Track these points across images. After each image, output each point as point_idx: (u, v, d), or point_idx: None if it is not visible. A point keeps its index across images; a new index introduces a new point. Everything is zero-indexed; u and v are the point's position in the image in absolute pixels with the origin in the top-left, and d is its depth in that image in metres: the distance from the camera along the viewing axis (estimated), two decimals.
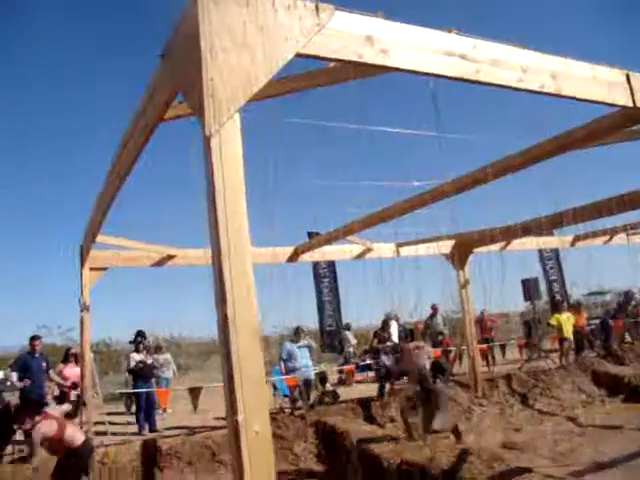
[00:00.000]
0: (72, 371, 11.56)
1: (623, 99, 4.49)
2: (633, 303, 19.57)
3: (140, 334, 13.52)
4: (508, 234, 10.91)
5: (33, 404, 10.85)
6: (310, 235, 11.88)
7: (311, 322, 18.49)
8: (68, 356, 12.02)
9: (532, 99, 4.31)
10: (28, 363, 11.16)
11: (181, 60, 3.07)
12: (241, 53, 2.82)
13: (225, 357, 2.55)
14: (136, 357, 12.65)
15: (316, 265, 17.24)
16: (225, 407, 2.63)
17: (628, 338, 19.11)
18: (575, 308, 17.34)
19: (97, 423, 10.57)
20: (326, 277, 17.78)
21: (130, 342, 13.93)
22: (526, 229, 10.36)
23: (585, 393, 12.65)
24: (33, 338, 11.52)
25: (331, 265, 17.48)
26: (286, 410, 11.96)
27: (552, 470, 7.74)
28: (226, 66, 2.76)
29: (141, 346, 13.13)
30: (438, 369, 13.73)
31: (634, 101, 4.51)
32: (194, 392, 12.27)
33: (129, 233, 9.58)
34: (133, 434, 11.46)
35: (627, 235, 14.20)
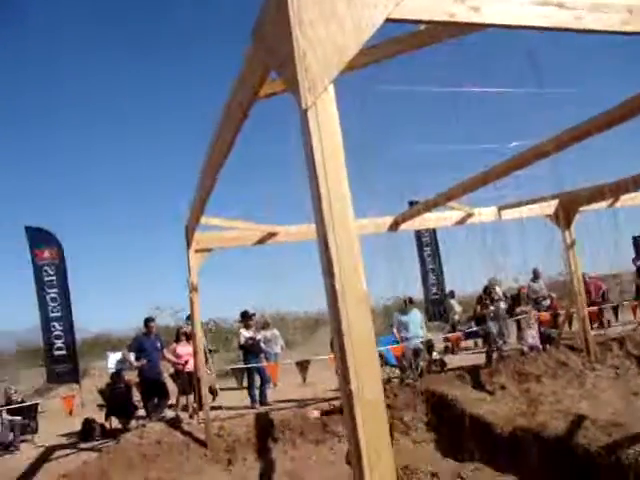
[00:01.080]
0: (184, 349, 12.07)
1: None
2: None
3: (245, 314, 13.89)
4: (616, 190, 10.37)
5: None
6: (412, 204, 11.76)
7: (415, 291, 18.48)
8: (179, 335, 12.57)
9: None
10: (143, 344, 11.76)
11: (271, 36, 3.08)
12: (330, 24, 2.78)
13: (335, 328, 2.58)
14: (246, 334, 13.04)
15: (418, 234, 17.11)
16: (338, 377, 2.66)
17: None
18: None
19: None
20: (428, 245, 17.60)
21: (239, 321, 14.35)
22: (637, 183, 9.81)
23: None
24: (148, 320, 12.12)
25: (432, 233, 17.28)
26: (394, 380, 12.02)
27: None
28: (316, 38, 2.74)
29: (251, 322, 13.55)
30: (547, 339, 13.42)
31: None
32: (302, 365, 12.56)
33: (229, 213, 9.83)
34: (246, 407, 11.86)
35: None
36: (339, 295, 2.53)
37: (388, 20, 2.99)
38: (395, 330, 12.67)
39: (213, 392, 12.34)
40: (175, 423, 10.28)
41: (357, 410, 2.53)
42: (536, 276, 16.43)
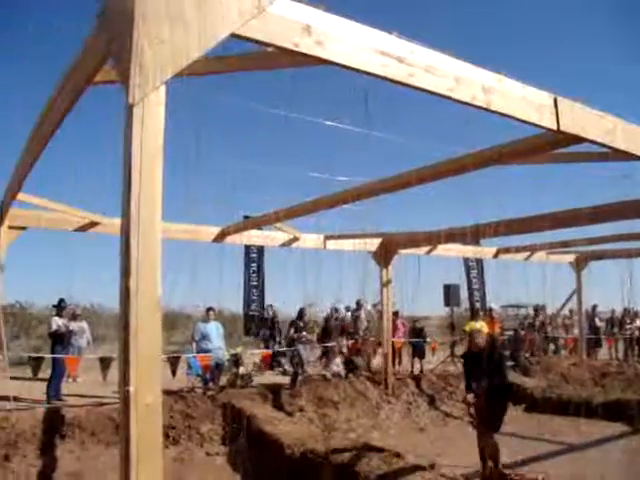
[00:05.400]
0: None
1: (549, 121, 4.64)
2: (540, 318, 20.35)
3: (62, 302, 13.09)
4: (433, 239, 11.16)
5: None
6: (246, 218, 11.87)
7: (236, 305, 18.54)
8: None
9: (463, 110, 4.39)
10: None
11: (113, 24, 3.01)
12: (175, 26, 2.78)
13: (123, 328, 2.55)
14: (58, 321, 12.29)
15: (247, 249, 17.25)
16: (118, 378, 2.63)
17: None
18: (490, 317, 17.93)
19: None
20: (255, 262, 17.78)
21: (54, 306, 13.48)
22: (450, 236, 10.63)
23: None
24: None
25: (260, 250, 17.50)
26: (198, 389, 11.91)
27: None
28: (158, 37, 2.72)
29: (64, 312, 12.82)
30: (351, 368, 13.98)
31: (559, 124, 4.67)
32: (105, 362, 12.07)
33: (54, 195, 9.32)
34: (35, 401, 11.18)
35: (547, 253, 14.77)
36: (132, 295, 2.51)
37: (233, 35, 3.03)
38: (194, 342, 12.43)
39: None
40: None
41: (133, 413, 2.51)
42: (359, 307, 16.99)
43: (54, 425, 9.36)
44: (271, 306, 17.44)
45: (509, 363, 16.70)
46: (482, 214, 9.86)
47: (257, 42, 3.20)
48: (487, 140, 6.12)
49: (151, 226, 2.60)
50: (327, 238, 11.47)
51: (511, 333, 19.61)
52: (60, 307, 12.87)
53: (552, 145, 5.72)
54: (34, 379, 12.70)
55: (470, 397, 8.07)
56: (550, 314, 20.27)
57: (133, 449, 2.51)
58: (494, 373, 7.73)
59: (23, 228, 9.23)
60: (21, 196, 8.01)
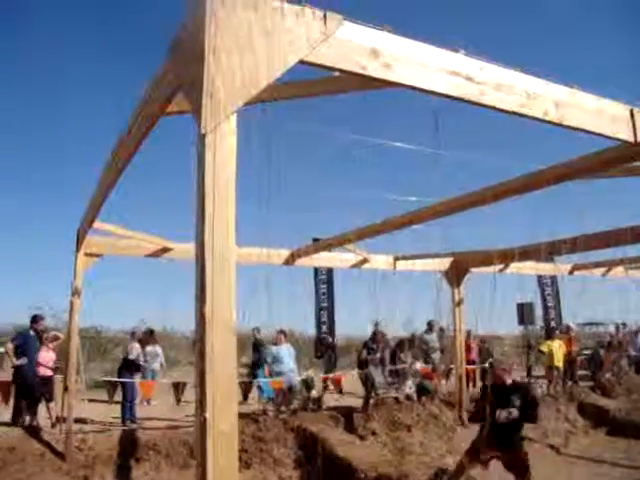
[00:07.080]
0: (47, 356, 11.42)
1: (625, 134, 4.48)
2: (619, 336, 19.58)
3: (152, 332, 13.44)
4: (507, 257, 10.91)
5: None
6: (315, 241, 11.93)
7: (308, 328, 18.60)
8: (42, 340, 11.55)
9: (535, 126, 4.29)
10: (28, 342, 10.98)
11: (185, 56, 3.09)
12: (244, 55, 2.83)
13: (199, 354, 2.57)
14: (139, 349, 12.56)
15: (317, 270, 17.26)
16: (195, 403, 2.64)
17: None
18: (567, 335, 17.33)
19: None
20: (324, 283, 17.79)
21: (144, 333, 13.82)
22: (524, 254, 10.38)
23: (570, 422, 12.62)
24: (37, 318, 11.43)
25: (329, 272, 17.50)
26: (270, 412, 11.93)
27: None
28: (228, 67, 2.77)
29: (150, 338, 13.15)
30: (422, 390, 13.71)
31: (636, 137, 4.50)
32: (178, 387, 12.28)
33: (128, 222, 9.61)
34: (112, 424, 11.44)
35: (625, 269, 14.17)
36: (207, 321, 2.53)
37: (302, 62, 3.06)
38: (266, 364, 12.56)
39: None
40: (35, 431, 9.79)
41: (209, 439, 2.51)
42: (430, 328, 16.60)
43: (129, 447, 9.53)
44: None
45: (588, 384, 16.17)
46: (558, 229, 9.59)
47: (325, 67, 3.21)
48: (559, 153, 5.98)
49: (225, 252, 2.63)
50: (397, 259, 11.41)
51: (589, 352, 18.97)
52: (149, 336, 13.19)
53: (628, 158, 5.51)
54: (110, 402, 13.04)
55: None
56: (630, 331, 19.49)
57: (209, 475, 2.51)
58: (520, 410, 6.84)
59: (99, 255, 9.54)
60: (97, 224, 8.28)
